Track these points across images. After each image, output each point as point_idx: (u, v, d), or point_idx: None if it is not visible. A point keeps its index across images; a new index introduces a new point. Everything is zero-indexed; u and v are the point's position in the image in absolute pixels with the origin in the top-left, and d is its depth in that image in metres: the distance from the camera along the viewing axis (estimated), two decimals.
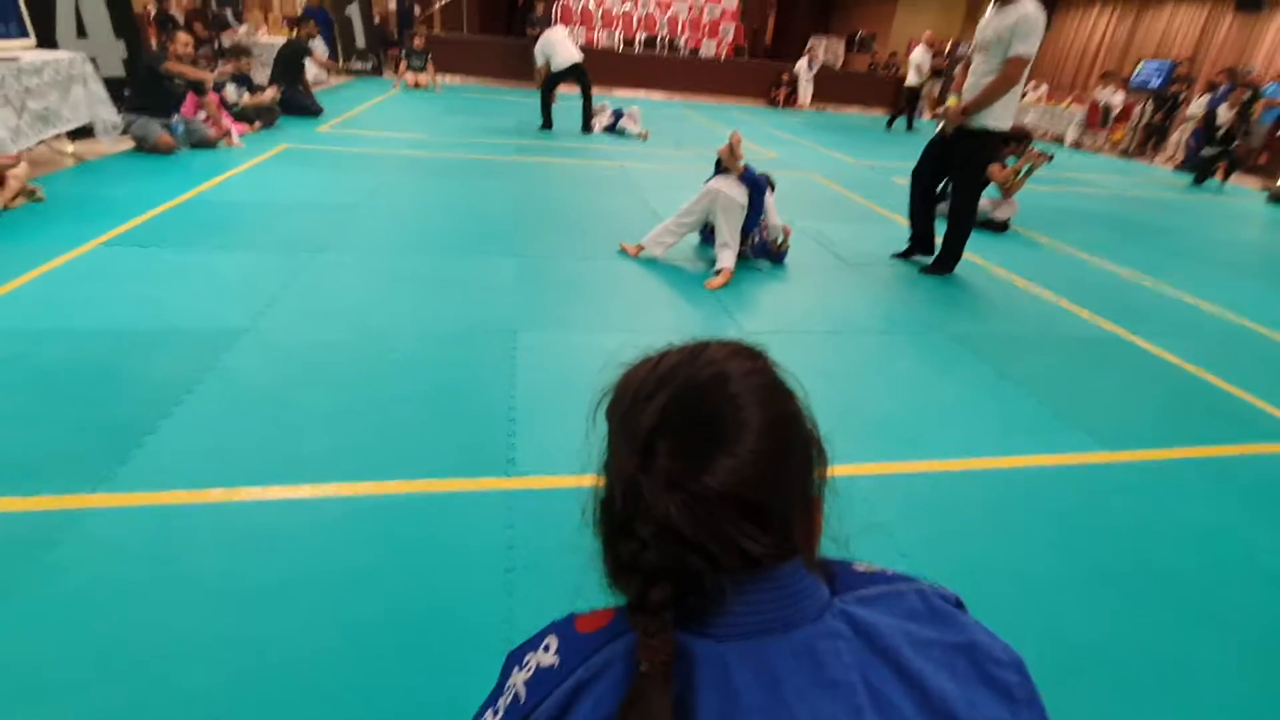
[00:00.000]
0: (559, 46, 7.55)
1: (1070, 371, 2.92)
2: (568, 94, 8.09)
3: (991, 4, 3.46)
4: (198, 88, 5.31)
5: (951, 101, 3.67)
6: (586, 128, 8.01)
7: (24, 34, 4.65)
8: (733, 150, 3.58)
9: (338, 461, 1.91)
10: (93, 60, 4.97)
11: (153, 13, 8.12)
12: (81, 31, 5.20)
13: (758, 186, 3.64)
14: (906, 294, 3.70)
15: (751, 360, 0.49)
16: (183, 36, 5.28)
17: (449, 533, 1.70)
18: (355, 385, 2.30)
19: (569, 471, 1.94)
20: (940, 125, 3.77)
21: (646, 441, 0.44)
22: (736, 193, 3.59)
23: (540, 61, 7.71)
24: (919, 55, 10.42)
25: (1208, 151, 8.36)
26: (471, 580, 1.55)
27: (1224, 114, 8.18)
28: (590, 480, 0.50)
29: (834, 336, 3.09)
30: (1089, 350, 3.17)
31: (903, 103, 10.87)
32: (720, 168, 3.72)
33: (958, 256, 3.96)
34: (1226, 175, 8.85)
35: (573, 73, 7.58)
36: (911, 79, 10.60)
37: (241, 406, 2.12)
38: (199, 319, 2.63)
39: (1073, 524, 1.94)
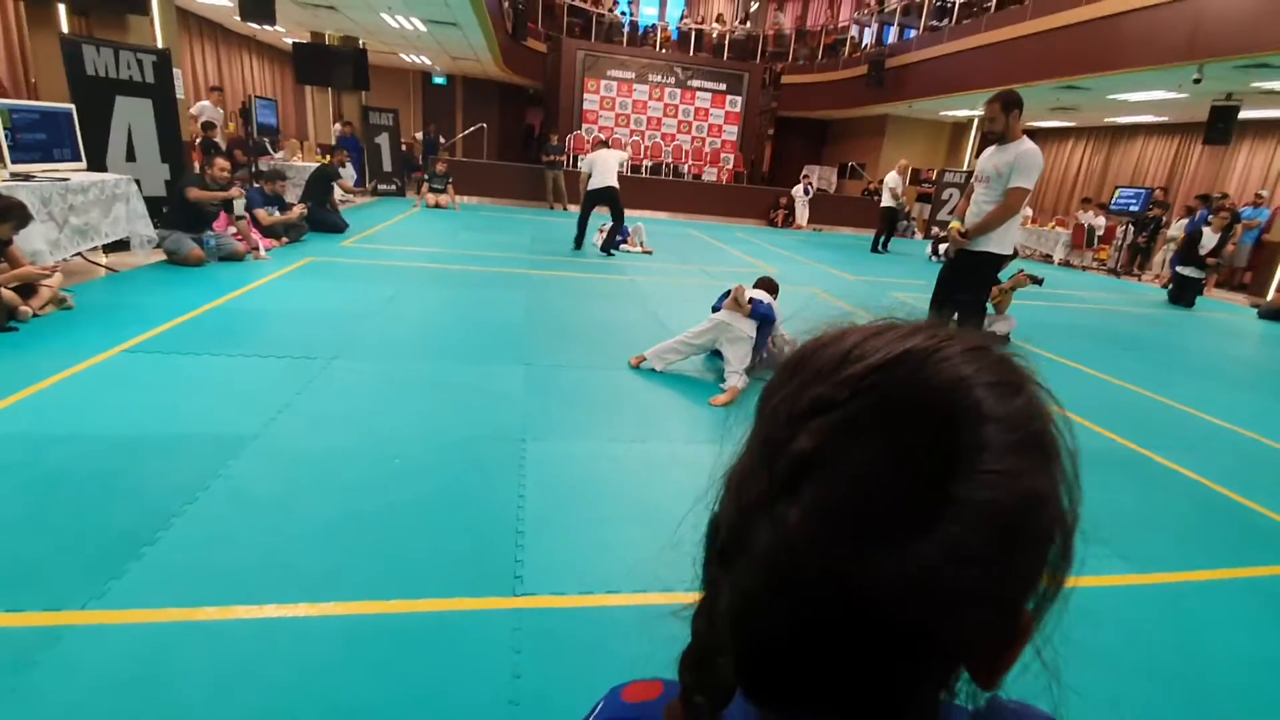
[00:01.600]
0: (599, 167, 7.72)
1: (1089, 488, 2.85)
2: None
3: (993, 145, 3.73)
4: (228, 207, 5.62)
5: (954, 225, 3.87)
6: (607, 248, 8.14)
7: (77, 158, 5.02)
8: (737, 301, 3.67)
9: (337, 578, 1.83)
10: (137, 181, 5.32)
11: (198, 140, 8.78)
12: (131, 157, 5.61)
13: (766, 319, 3.72)
14: None
15: (1012, 386, 0.31)
16: (220, 162, 5.63)
17: (450, 658, 1.60)
18: (359, 495, 2.26)
19: (580, 591, 1.86)
20: (944, 248, 3.96)
21: (791, 474, 0.29)
22: (745, 325, 3.65)
23: (585, 169, 7.95)
24: (892, 180, 11.08)
25: (1189, 271, 8.56)
26: (472, 715, 1.44)
27: (1209, 236, 8.50)
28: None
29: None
30: (1105, 465, 3.12)
31: (882, 224, 11.34)
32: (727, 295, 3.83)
33: None
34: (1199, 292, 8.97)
35: (605, 196, 7.81)
36: (886, 201, 11.18)
37: (243, 517, 2.07)
38: (211, 425, 2.63)
39: (1111, 660, 1.82)
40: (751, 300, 3.70)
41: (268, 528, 2.03)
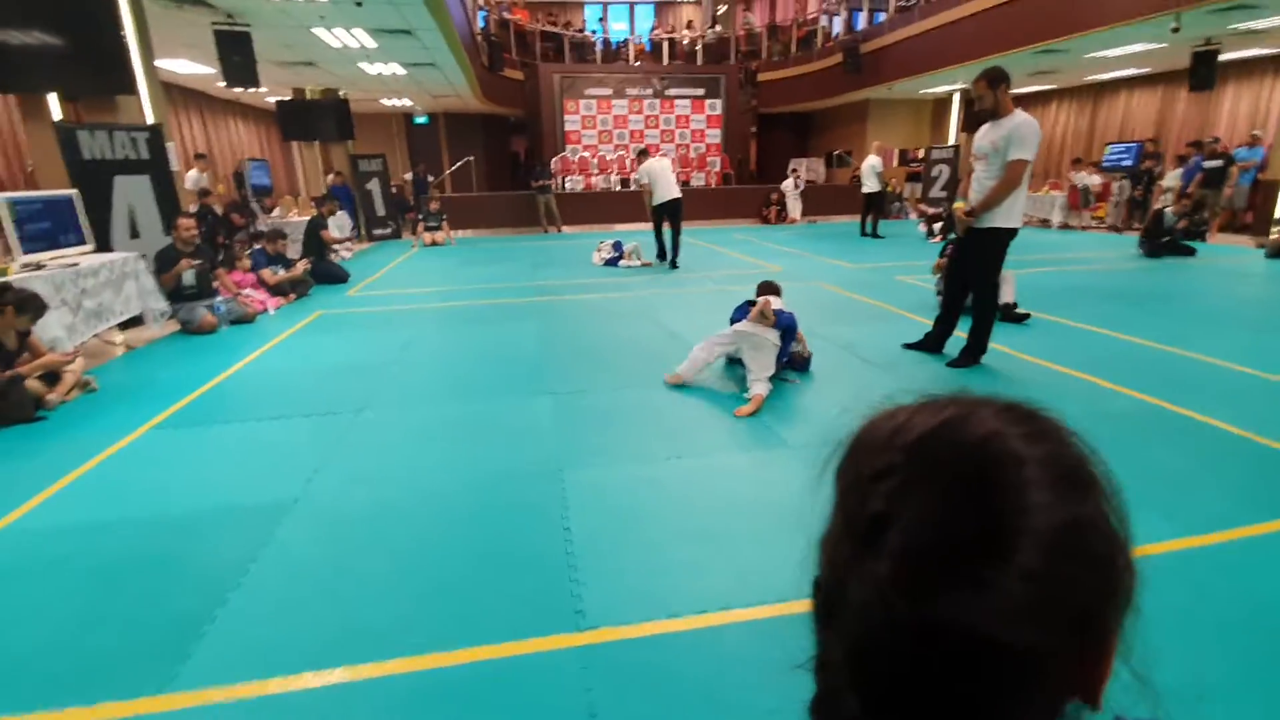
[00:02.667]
0: (660, 179, 7.82)
1: (1128, 452, 2.83)
2: (577, 233, 8.58)
3: (987, 122, 3.73)
4: (203, 279, 5.49)
5: (959, 205, 3.87)
6: (674, 264, 8.19)
7: (83, 241, 5.09)
8: (764, 314, 3.71)
9: (398, 633, 1.84)
10: (143, 256, 5.39)
11: (194, 208, 8.89)
12: (134, 233, 5.69)
13: (790, 329, 3.75)
14: (941, 389, 3.67)
15: (1040, 432, 0.36)
16: (184, 222, 5.44)
17: (523, 704, 1.59)
18: (407, 547, 2.26)
19: (643, 618, 1.85)
20: (938, 226, 3.95)
21: (870, 532, 0.34)
22: (770, 334, 3.67)
23: (645, 181, 8.01)
24: (872, 163, 10.95)
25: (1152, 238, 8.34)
26: None
27: (1170, 217, 8.36)
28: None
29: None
30: (1141, 427, 3.09)
31: (868, 209, 11.23)
32: (752, 304, 3.90)
33: (983, 348, 4.00)
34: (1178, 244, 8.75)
35: (672, 208, 7.89)
36: (871, 186, 11.04)
37: (298, 583, 2.08)
38: (251, 494, 2.65)
39: (1182, 627, 1.80)
40: (776, 311, 3.73)
41: (322, 591, 2.04)
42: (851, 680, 0.35)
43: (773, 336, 3.66)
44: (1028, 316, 5.11)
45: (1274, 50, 10.31)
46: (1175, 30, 8.12)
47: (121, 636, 1.85)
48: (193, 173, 10.33)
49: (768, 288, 4.21)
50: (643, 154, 8.39)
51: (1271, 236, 8.56)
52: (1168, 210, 8.44)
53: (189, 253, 5.40)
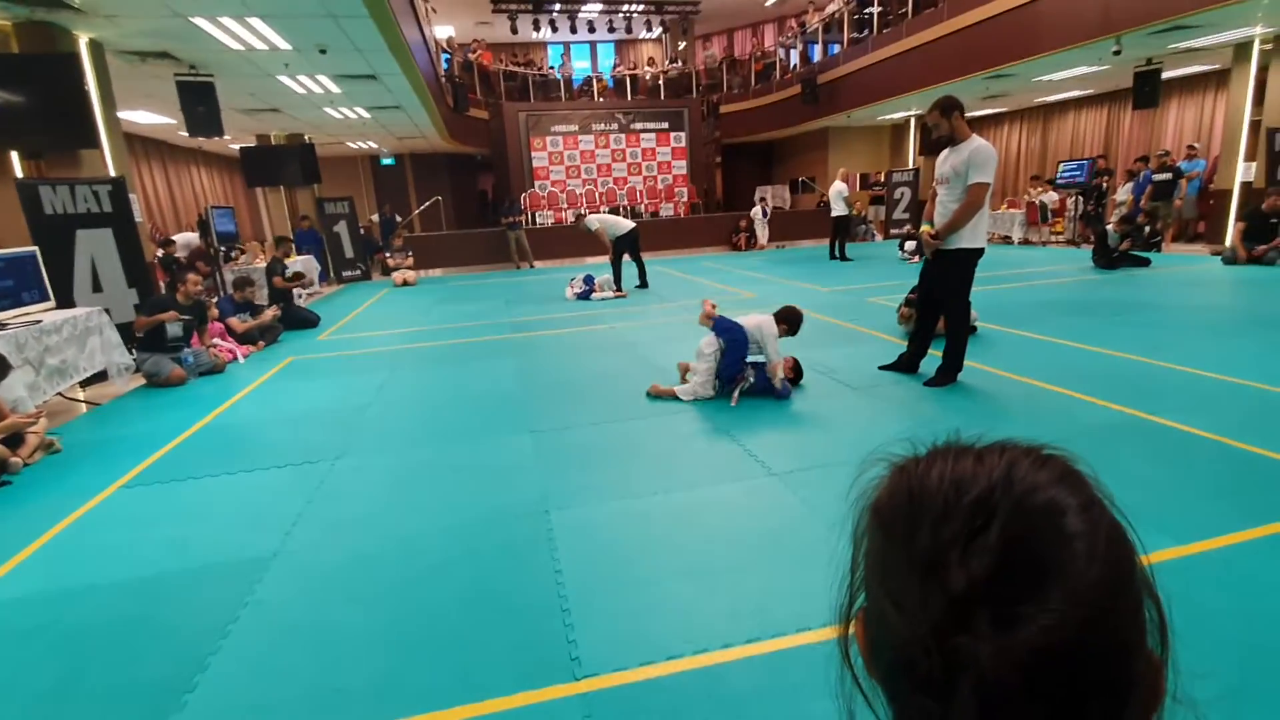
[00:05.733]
0: (610, 221, 9.15)
1: (1109, 463, 2.88)
2: (549, 267, 8.63)
3: (946, 148, 3.86)
4: (190, 328, 5.50)
5: (925, 229, 3.97)
6: (644, 283, 9.38)
7: (45, 298, 4.95)
8: (707, 314, 4.13)
9: (388, 694, 1.76)
10: (107, 310, 5.25)
11: (159, 256, 8.73)
12: (97, 287, 5.55)
13: (733, 343, 4.01)
14: (921, 410, 3.72)
15: (1081, 486, 0.40)
16: (192, 277, 5.65)
17: None
18: (393, 599, 2.19)
19: (642, 662, 1.81)
20: (910, 246, 4.05)
21: (968, 595, 0.35)
22: (705, 345, 4.08)
23: (595, 226, 9.02)
24: (839, 188, 11.28)
25: (1112, 250, 8.68)
26: None
27: (1113, 235, 8.72)
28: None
29: (870, 468, 3.06)
30: (1119, 438, 3.16)
31: (836, 232, 11.54)
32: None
33: (958, 366, 4.07)
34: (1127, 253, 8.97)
35: (631, 237, 8.97)
36: (839, 210, 11.31)
37: (280, 644, 1.99)
38: (228, 550, 2.55)
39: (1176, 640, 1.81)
40: (726, 329, 3.98)
41: (306, 651, 1.95)
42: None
43: (706, 348, 4.03)
44: (974, 330, 5.19)
45: (1213, 66, 10.90)
46: (1117, 53, 8.55)
47: (98, 711, 1.75)
48: (189, 235, 10.29)
49: (782, 315, 4.14)
50: (580, 217, 9.52)
51: (1227, 244, 8.89)
52: (1110, 229, 8.81)
53: (188, 306, 5.38)
